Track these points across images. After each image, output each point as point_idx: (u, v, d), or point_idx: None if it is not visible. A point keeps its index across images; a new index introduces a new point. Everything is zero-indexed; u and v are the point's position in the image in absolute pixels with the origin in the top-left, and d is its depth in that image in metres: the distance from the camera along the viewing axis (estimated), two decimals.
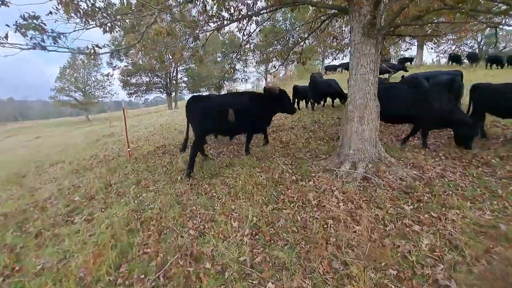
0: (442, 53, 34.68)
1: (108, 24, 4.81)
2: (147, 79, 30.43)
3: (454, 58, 24.77)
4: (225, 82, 41.58)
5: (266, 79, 42.82)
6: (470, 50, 33.03)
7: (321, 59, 31.51)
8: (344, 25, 7.22)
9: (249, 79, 45.06)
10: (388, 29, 4.26)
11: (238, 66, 37.30)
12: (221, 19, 6.37)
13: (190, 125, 5.59)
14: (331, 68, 27.60)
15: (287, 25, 34.98)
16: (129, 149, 6.83)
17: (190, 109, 5.38)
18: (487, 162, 4.65)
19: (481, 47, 36.62)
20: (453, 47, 32.08)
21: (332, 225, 2.98)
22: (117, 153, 7.83)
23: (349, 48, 4.38)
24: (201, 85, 34.30)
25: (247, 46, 8.17)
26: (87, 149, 9.75)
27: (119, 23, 4.80)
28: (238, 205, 3.60)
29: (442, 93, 5.67)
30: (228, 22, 6.70)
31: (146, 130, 12.32)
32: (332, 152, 5.51)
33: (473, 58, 24.60)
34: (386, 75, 15.90)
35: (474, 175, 4.21)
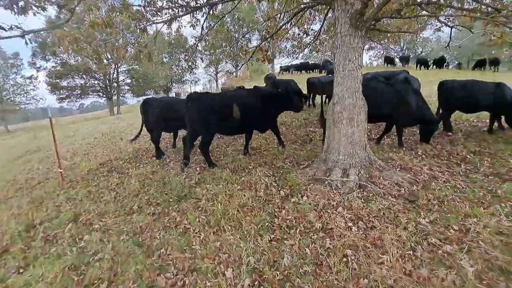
0: (373, 57, 38.99)
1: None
2: (82, 82, 26.56)
3: (389, 60, 27.36)
4: (173, 84, 39.20)
5: (217, 81, 41.70)
6: (395, 54, 37.38)
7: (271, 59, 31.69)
8: (317, 17, 6.82)
9: (199, 80, 43.35)
10: (371, 21, 3.87)
11: (187, 66, 35.51)
12: (174, 7, 5.37)
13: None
14: (286, 69, 27.92)
15: (235, 26, 34.56)
16: (61, 170, 5.28)
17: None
18: (464, 158, 4.65)
19: (403, 51, 41.64)
20: (382, 51, 35.70)
21: (352, 258, 2.35)
22: (45, 175, 6.11)
23: (334, 41, 3.88)
24: (147, 88, 31.55)
25: (200, 44, 7.24)
26: (1, 172, 7.57)
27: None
28: (225, 240, 2.74)
29: (416, 91, 5.65)
30: (184, 12, 5.73)
31: (84, 141, 10.32)
32: (314, 157, 5.01)
33: (405, 60, 27.52)
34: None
35: (461, 173, 4.10)
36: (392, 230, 2.68)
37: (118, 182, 4.74)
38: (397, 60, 29.62)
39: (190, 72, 36.95)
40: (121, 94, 30.25)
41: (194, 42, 6.49)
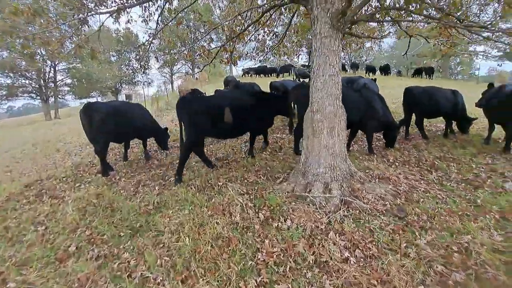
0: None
1: None
2: (8, 81, 22.59)
3: (342, 67, 28.98)
4: (124, 85, 36.06)
5: (172, 83, 39.53)
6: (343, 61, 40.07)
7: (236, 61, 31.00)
8: (282, 19, 6.46)
9: (153, 82, 40.76)
10: (349, 24, 3.61)
11: (138, 66, 32.99)
12: None
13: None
14: (247, 72, 27.55)
15: (191, 25, 33.22)
16: None
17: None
18: (433, 164, 4.71)
19: (350, 58, 44.91)
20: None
21: None
22: None
23: (313, 43, 3.52)
24: (92, 89, 28.36)
25: (154, 42, 6.39)
26: None
27: None
28: None
29: (380, 97, 5.66)
30: (135, 1, 4.90)
31: (7, 154, 8.46)
32: (289, 169, 4.61)
33: (355, 66, 29.44)
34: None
35: (435, 181, 4.08)
36: (394, 258, 2.35)
37: (49, 211, 3.69)
38: (346, 67, 31.57)
39: (143, 72, 34.33)
40: (59, 96, 26.61)
41: (147, 39, 5.62)
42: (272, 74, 27.17)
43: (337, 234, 2.72)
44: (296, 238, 2.67)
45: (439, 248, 2.49)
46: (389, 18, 4.57)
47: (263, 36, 7.07)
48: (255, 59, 8.58)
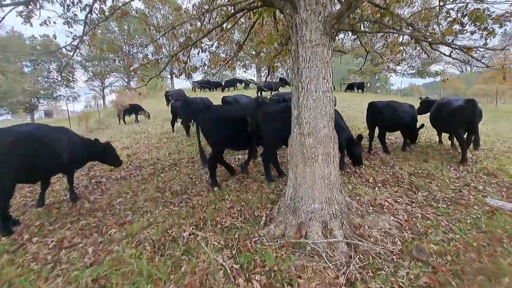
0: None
1: None
2: None
3: (285, 82, 30.01)
4: (41, 100, 30.52)
5: (104, 97, 35.21)
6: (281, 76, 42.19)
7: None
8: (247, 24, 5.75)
9: (79, 97, 35.81)
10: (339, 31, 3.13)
11: (60, 79, 28.46)
12: None
13: None
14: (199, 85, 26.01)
15: (124, 37, 30.37)
16: None
17: None
18: (411, 182, 4.52)
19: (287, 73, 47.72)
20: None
21: None
22: None
23: (300, 52, 2.87)
24: None
25: (79, 50, 5.03)
26: None
27: None
28: None
29: (340, 115, 5.43)
30: None
31: None
32: (268, 201, 3.82)
33: (285, 81, 30.64)
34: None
35: (424, 203, 3.81)
36: None
37: None
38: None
39: (66, 86, 29.71)
40: None
41: (69, 43, 4.25)
42: (217, 89, 26.30)
43: None
44: None
45: None
46: (367, 29, 4.33)
47: (218, 45, 6.31)
48: (206, 73, 7.72)
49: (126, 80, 34.78)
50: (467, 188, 4.22)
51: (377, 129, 6.42)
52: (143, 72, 8.40)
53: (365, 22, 4.38)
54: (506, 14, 4.19)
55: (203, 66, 7.60)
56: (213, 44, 7.04)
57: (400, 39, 5.56)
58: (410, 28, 4.36)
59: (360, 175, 4.96)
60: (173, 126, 9.70)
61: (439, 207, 3.65)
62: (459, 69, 36.87)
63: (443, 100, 6.31)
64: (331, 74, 2.88)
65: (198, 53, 6.79)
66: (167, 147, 7.60)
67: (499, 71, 23.66)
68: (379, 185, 4.45)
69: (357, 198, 3.79)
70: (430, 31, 4.46)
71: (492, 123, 10.01)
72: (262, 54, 9.40)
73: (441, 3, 4.37)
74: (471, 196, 3.92)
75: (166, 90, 22.40)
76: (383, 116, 6.03)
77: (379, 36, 6.80)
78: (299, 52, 2.90)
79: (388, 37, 5.77)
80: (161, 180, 5.15)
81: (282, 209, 3.31)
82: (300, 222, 3.03)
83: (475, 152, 5.93)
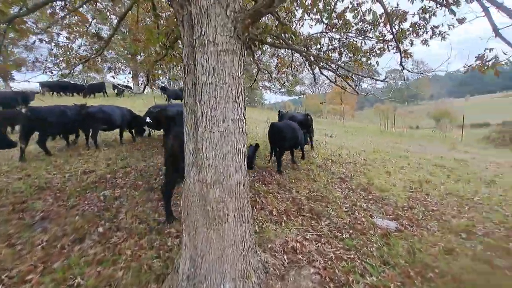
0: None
1: None
2: None
3: (162, 89, 27.58)
4: None
5: None
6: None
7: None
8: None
9: None
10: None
11: None
12: None
13: None
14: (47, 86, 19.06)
15: None
16: None
17: None
18: (311, 210, 4.35)
19: (169, 82, 45.46)
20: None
21: None
22: None
23: (199, 59, 1.88)
24: None
25: None
26: None
27: None
28: None
29: None
30: None
31: None
32: (154, 281, 2.52)
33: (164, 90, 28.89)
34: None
35: (330, 235, 3.60)
36: None
37: None
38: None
39: None
40: None
41: None
42: (79, 93, 20.73)
43: None
44: None
45: None
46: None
47: (69, 37, 4.43)
48: (51, 72, 5.37)
49: None
50: (356, 209, 4.42)
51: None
52: None
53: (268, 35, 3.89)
54: (373, 50, 4.76)
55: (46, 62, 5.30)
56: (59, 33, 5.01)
57: (291, 59, 5.55)
58: (306, 49, 4.23)
59: (262, 205, 4.40)
60: None
61: (344, 238, 3.50)
62: (312, 90, 45.91)
63: (290, 113, 8.38)
64: (244, 95, 2.03)
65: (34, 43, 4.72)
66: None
67: (338, 94, 30.98)
68: (284, 217, 4.00)
69: (269, 245, 3.10)
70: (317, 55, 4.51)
71: (344, 138, 12.32)
72: (140, 57, 7.68)
73: (327, 30, 4.53)
74: (363, 218, 4.06)
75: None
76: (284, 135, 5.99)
77: (273, 55, 6.70)
78: (198, 59, 1.90)
79: (279, 56, 5.65)
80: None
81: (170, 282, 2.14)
82: None
83: (348, 167, 6.73)
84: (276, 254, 2.94)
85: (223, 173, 1.94)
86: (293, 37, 3.55)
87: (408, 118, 26.47)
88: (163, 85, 24.76)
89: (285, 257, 2.93)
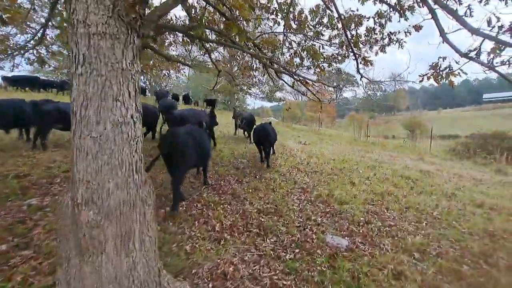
0: None
1: None
2: None
3: (142, 91, 26.84)
4: None
5: None
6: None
7: None
8: None
9: None
10: (152, 27, 1.96)
11: None
12: None
13: None
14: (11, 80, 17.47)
15: None
16: None
17: None
18: (260, 224, 3.98)
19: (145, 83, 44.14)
20: None
21: None
22: None
23: (71, 45, 1.46)
24: None
25: None
26: None
27: None
28: None
29: None
30: None
31: None
32: None
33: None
34: None
35: (273, 254, 3.24)
36: None
37: None
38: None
39: None
40: None
41: None
42: (51, 89, 19.25)
43: None
44: None
45: None
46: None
47: None
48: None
49: None
50: (309, 224, 4.10)
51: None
52: None
53: (211, 32, 3.52)
54: (334, 56, 4.53)
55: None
56: None
57: (251, 63, 5.22)
58: (258, 50, 3.90)
59: (206, 219, 3.97)
60: None
61: (287, 259, 3.13)
62: (294, 97, 46.39)
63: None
64: (138, 91, 1.62)
65: None
66: None
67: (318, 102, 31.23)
68: (226, 234, 3.59)
69: (194, 271, 2.68)
70: (276, 59, 4.20)
71: (318, 145, 12.18)
72: None
73: (286, 30, 4.24)
74: (313, 235, 3.73)
75: None
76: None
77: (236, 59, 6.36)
78: (71, 44, 1.47)
79: (239, 58, 5.31)
80: None
81: None
82: None
83: (313, 176, 6.48)
84: (199, 282, 2.52)
85: (97, 191, 1.51)
86: (238, 36, 3.20)
87: (382, 127, 27.10)
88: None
89: (209, 285, 2.52)
